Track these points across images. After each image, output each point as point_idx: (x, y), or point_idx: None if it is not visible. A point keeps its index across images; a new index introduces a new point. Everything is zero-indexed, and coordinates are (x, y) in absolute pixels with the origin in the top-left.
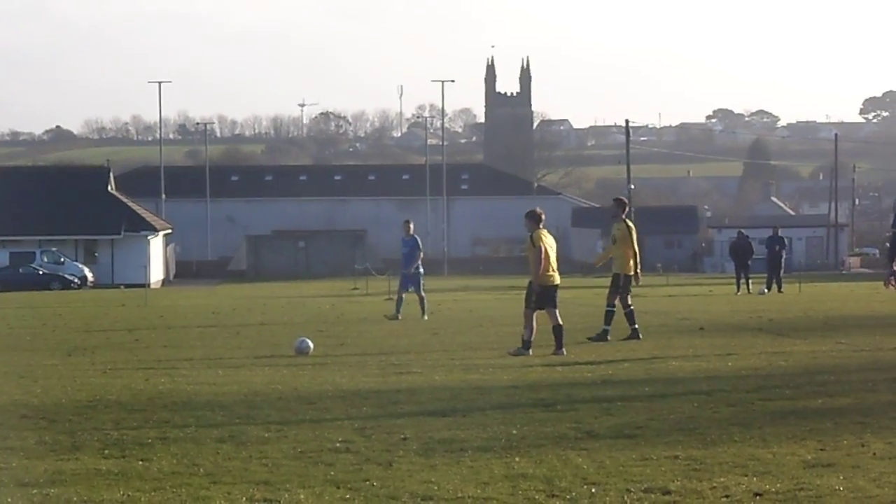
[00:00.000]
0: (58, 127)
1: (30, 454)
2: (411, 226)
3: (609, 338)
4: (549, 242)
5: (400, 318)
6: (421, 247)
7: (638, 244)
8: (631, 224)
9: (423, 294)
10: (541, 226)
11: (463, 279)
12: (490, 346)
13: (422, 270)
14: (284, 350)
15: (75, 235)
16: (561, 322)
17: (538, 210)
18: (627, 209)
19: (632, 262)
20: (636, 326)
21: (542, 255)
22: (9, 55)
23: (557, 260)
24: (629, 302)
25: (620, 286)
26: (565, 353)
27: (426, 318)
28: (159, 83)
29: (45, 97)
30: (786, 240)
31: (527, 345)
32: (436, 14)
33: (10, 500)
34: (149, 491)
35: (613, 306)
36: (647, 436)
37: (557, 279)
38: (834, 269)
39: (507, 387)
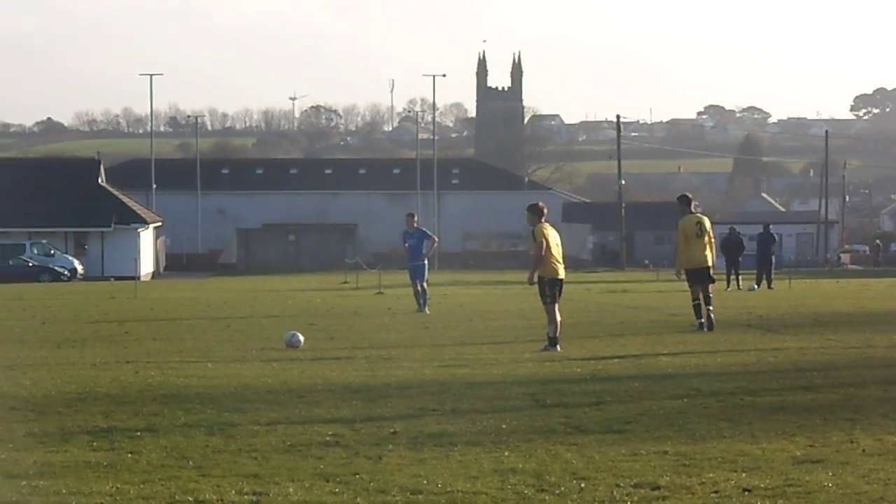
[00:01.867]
0: (48, 119)
1: (19, 446)
2: (415, 218)
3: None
4: (551, 236)
5: (428, 311)
6: (432, 234)
7: (627, 239)
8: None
9: (426, 287)
10: (543, 220)
11: (453, 273)
12: (480, 340)
13: (426, 263)
14: (275, 343)
15: (65, 228)
16: (560, 318)
17: (540, 204)
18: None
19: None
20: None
21: (542, 249)
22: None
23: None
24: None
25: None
26: (559, 349)
27: (427, 311)
28: (150, 76)
29: (36, 89)
30: (776, 236)
31: (553, 341)
32: (428, 8)
33: None
34: (138, 483)
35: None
36: (637, 431)
37: (562, 273)
38: (824, 265)
39: (496, 382)
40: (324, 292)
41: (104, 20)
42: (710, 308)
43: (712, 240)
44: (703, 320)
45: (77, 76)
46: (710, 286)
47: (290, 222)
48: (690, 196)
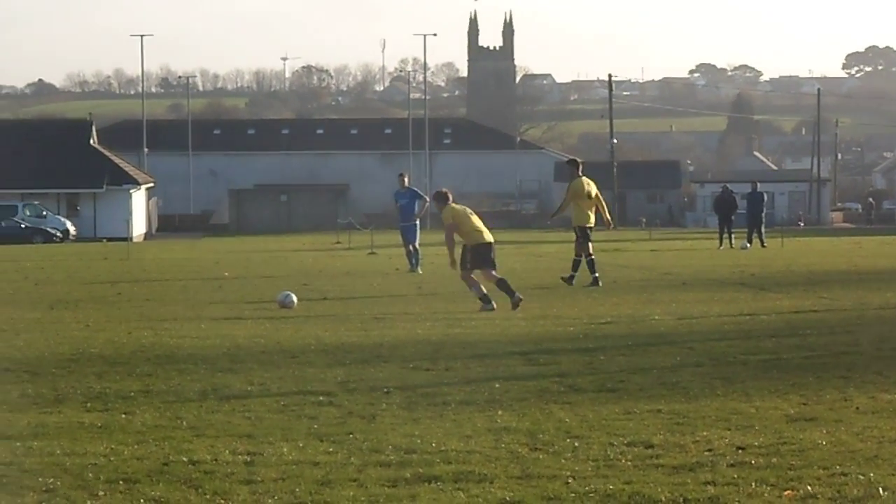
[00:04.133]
0: (40, 80)
1: (12, 407)
2: (406, 178)
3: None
4: (459, 213)
5: (420, 271)
6: (423, 195)
7: (619, 198)
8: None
9: (417, 247)
10: (449, 202)
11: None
12: (473, 299)
13: (418, 223)
14: (267, 304)
15: (57, 189)
16: (500, 276)
17: (444, 190)
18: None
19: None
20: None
21: (451, 233)
22: None
23: (484, 220)
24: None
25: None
26: (521, 296)
27: (420, 271)
28: (141, 36)
29: (27, 50)
30: (765, 195)
31: (486, 299)
32: None
33: None
34: (132, 444)
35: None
36: (630, 390)
37: (487, 237)
38: (817, 224)
39: (490, 341)
40: (316, 252)
41: None
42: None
43: (601, 201)
44: (597, 274)
45: (68, 37)
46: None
47: (283, 183)
48: (580, 161)
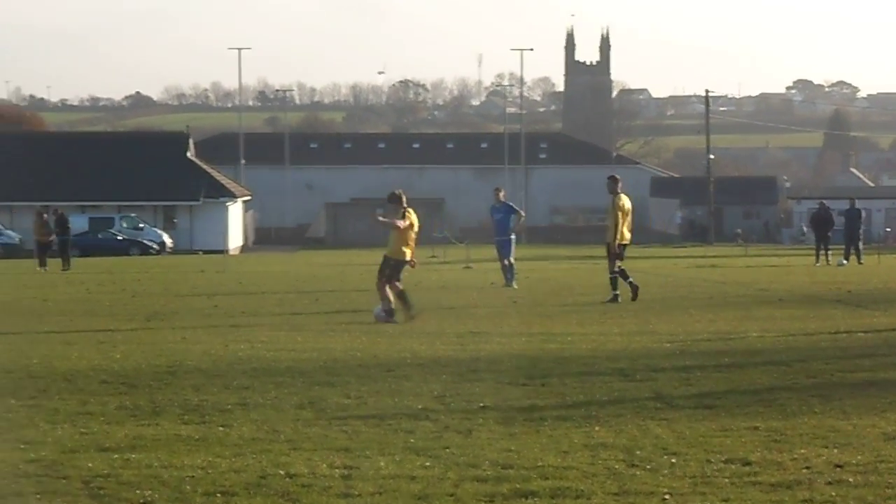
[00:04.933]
0: (137, 93)
1: (110, 419)
2: (502, 193)
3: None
4: (415, 222)
5: (516, 285)
6: (518, 209)
7: (716, 214)
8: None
9: (512, 262)
10: (403, 203)
11: (541, 248)
12: (568, 315)
13: (513, 237)
14: (363, 317)
15: (154, 202)
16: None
17: (398, 191)
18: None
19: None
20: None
21: (401, 232)
22: (89, 21)
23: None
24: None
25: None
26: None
27: (515, 286)
28: (239, 50)
29: (124, 63)
30: (863, 212)
31: (391, 313)
32: None
33: (90, 464)
34: (229, 457)
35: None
36: (727, 406)
37: (408, 255)
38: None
39: (585, 356)
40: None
41: None
42: (630, 278)
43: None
44: (618, 292)
45: (166, 50)
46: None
47: (378, 197)
48: (619, 177)
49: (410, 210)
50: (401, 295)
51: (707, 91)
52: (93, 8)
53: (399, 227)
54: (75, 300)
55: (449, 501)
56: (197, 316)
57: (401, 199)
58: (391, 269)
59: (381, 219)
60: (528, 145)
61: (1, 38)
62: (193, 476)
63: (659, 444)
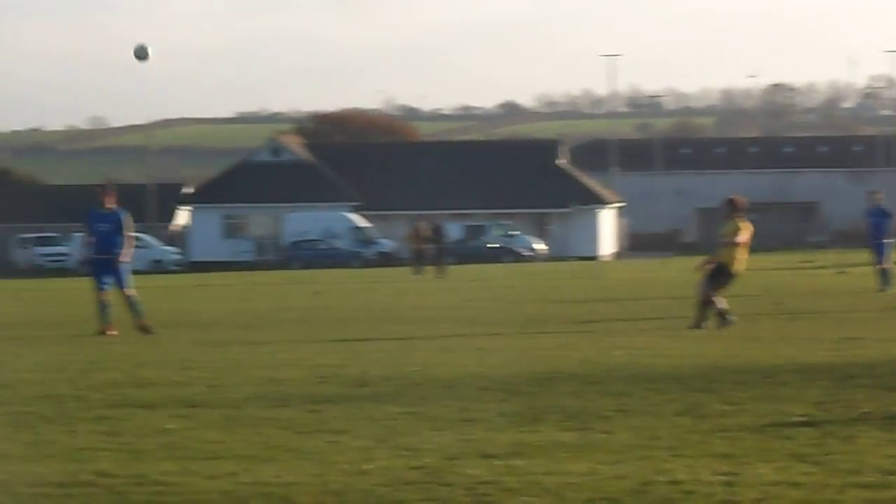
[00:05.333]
0: (509, 101)
1: (491, 426)
2: (879, 196)
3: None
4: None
5: (892, 290)
6: (891, 213)
7: None
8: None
9: (885, 266)
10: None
11: None
12: None
13: (890, 241)
14: (740, 324)
15: (524, 209)
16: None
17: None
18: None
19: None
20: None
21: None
22: (460, 34)
23: None
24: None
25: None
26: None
27: (893, 289)
28: (611, 56)
29: (497, 72)
30: None
31: (723, 314)
32: None
33: (473, 471)
34: (611, 463)
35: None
36: None
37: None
38: None
39: None
40: (785, 271)
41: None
42: None
43: None
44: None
45: (538, 58)
46: None
47: (750, 201)
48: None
49: (743, 218)
50: (709, 303)
51: None
52: (465, 20)
53: (737, 244)
54: (451, 307)
55: None
56: (572, 322)
57: (735, 205)
58: (726, 279)
59: (708, 258)
60: None
61: (372, 52)
62: (575, 483)
63: None
